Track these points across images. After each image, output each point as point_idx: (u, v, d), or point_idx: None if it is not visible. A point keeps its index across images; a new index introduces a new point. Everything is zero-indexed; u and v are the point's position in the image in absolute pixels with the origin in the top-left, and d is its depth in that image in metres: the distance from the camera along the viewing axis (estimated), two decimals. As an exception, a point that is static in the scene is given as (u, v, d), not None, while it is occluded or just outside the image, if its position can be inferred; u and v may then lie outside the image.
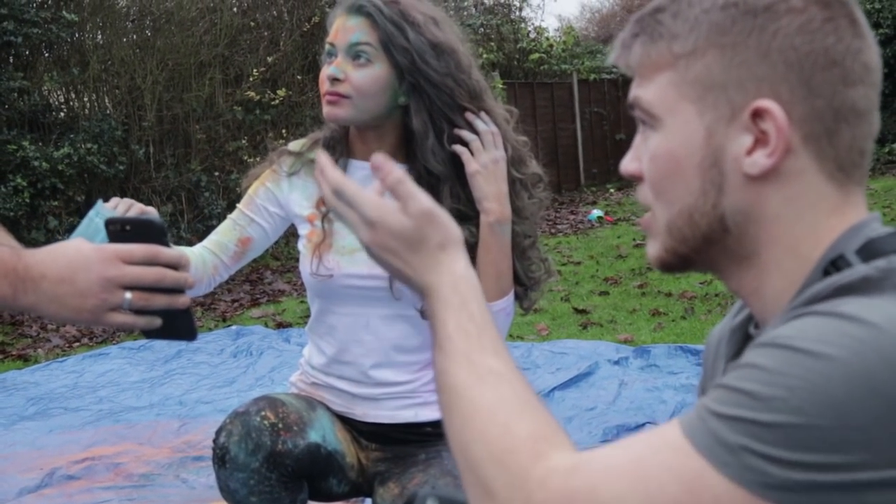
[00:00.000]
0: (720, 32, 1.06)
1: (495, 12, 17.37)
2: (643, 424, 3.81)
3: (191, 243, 10.04)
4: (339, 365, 2.30)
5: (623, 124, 17.91)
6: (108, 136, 9.03)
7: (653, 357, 4.69)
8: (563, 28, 20.29)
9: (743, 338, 1.24)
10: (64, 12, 8.95)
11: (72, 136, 8.91)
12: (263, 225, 2.34)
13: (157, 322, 1.45)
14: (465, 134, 2.14)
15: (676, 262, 1.15)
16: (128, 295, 1.40)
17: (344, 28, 2.14)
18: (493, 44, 16.15)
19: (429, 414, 2.31)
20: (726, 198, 1.07)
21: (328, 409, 2.31)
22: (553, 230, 11.76)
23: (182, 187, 9.70)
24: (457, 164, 2.15)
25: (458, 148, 2.14)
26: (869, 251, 1.02)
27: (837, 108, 1.03)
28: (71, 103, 9.69)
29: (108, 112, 9.48)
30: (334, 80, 2.13)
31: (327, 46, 2.18)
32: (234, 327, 6.20)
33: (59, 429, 4.29)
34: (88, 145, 8.80)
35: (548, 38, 17.69)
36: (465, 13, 17.66)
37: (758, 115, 1.04)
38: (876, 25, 15.61)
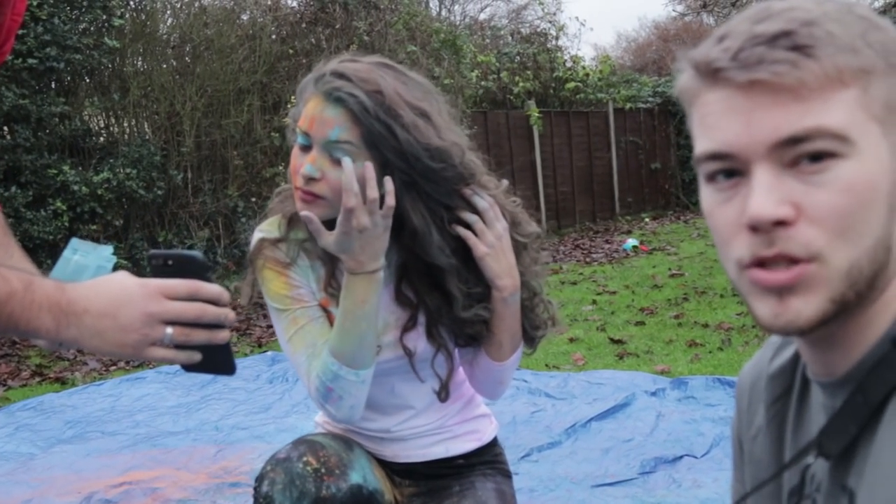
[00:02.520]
0: (894, 54, 1.02)
1: (532, 41, 17.43)
2: (681, 457, 3.77)
3: (227, 269, 9.97)
4: (365, 422, 2.25)
5: (658, 154, 17.89)
6: (146, 161, 9.13)
7: (690, 389, 4.64)
8: (599, 57, 20.33)
9: (787, 381, 1.22)
10: (106, 39, 9.07)
11: (111, 160, 9.01)
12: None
13: (196, 357, 1.46)
14: (467, 216, 2.05)
15: (836, 314, 1.01)
16: (169, 330, 1.40)
17: (321, 119, 1.94)
18: (529, 72, 16.20)
19: (459, 447, 2.29)
20: (895, 226, 1.02)
21: (363, 447, 2.29)
22: (588, 259, 11.73)
23: (219, 213, 9.77)
24: (460, 247, 2.07)
25: (464, 233, 2.04)
26: None
27: None
28: (111, 128, 9.80)
29: (147, 137, 9.58)
30: (310, 179, 1.96)
31: (299, 132, 1.99)
32: (269, 353, 6.21)
33: (96, 452, 4.31)
34: (127, 170, 8.90)
35: (584, 67, 17.72)
36: (502, 42, 17.74)
37: None
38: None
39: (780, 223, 0.98)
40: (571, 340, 6.59)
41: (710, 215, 1.07)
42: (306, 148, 1.98)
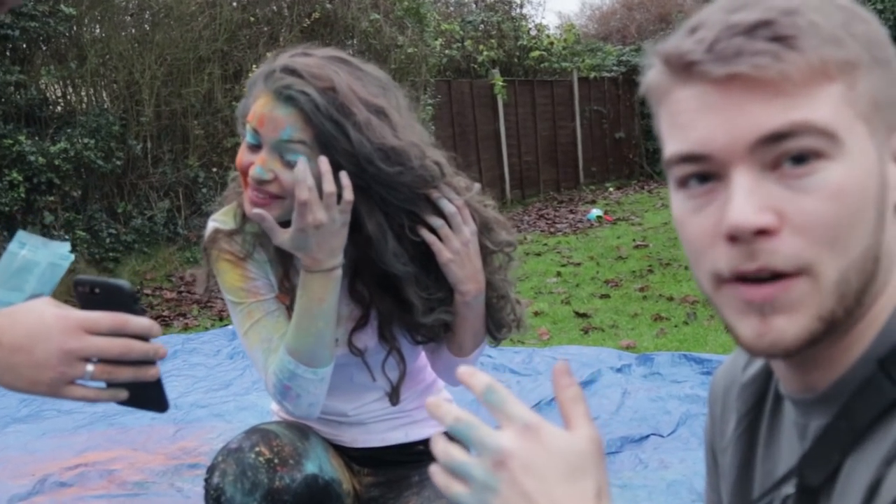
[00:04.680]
0: (878, 47, 0.93)
1: (496, 9, 17.30)
2: (647, 436, 3.74)
3: (188, 239, 9.81)
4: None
5: (622, 123, 17.89)
6: (105, 130, 8.95)
7: (656, 365, 4.62)
8: (563, 25, 20.23)
9: (759, 392, 1.14)
10: (62, 6, 8.86)
11: (69, 130, 8.83)
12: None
13: (122, 395, 1.37)
14: (433, 220, 1.95)
15: (823, 333, 0.92)
16: (89, 367, 1.30)
17: (271, 118, 1.83)
18: (493, 41, 16.10)
19: (419, 432, 2.24)
20: (885, 234, 0.92)
21: (319, 434, 2.22)
22: (552, 229, 11.70)
23: (179, 183, 9.62)
24: (422, 251, 1.97)
25: (429, 238, 1.95)
26: None
27: None
28: (68, 97, 9.60)
29: (105, 107, 9.39)
30: (261, 181, 1.85)
31: (248, 128, 1.87)
32: (230, 327, 6.11)
33: (51, 432, 4.21)
34: (85, 140, 8.73)
35: (548, 36, 17.65)
36: (466, 10, 17.60)
37: None
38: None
39: (763, 232, 0.88)
40: (536, 314, 6.55)
41: (681, 224, 0.97)
42: (255, 147, 1.88)
